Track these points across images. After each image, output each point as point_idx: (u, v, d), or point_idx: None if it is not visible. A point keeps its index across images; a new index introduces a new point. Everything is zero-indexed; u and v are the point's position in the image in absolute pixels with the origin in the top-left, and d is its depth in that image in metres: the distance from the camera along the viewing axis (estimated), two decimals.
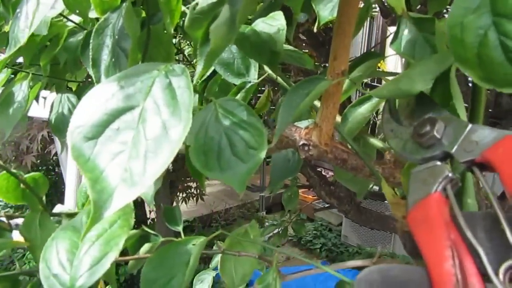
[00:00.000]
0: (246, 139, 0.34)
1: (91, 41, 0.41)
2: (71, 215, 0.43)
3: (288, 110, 0.36)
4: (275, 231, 1.53)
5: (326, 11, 0.45)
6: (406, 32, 0.44)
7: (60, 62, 0.70)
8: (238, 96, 0.54)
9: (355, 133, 0.45)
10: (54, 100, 0.77)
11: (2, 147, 2.26)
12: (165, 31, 0.45)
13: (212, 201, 3.63)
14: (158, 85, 0.29)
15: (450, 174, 0.26)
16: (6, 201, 0.44)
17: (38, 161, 2.94)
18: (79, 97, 0.77)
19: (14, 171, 0.44)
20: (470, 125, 0.27)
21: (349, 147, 0.43)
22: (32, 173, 0.46)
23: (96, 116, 0.28)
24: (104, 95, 0.29)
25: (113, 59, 0.40)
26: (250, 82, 0.53)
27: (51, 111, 0.77)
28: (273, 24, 0.42)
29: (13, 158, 2.70)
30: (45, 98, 0.91)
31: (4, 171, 0.45)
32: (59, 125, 0.74)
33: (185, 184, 2.88)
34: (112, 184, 0.25)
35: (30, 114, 0.91)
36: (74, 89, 0.83)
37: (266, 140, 0.34)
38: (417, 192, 0.26)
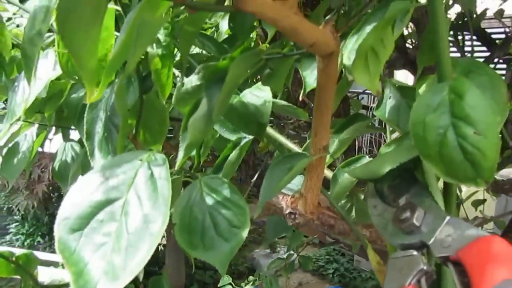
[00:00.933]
0: (229, 218, 0.35)
1: (85, 114, 0.44)
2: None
3: (270, 184, 0.38)
4: (282, 265, 1.52)
5: (312, 78, 0.47)
6: (390, 97, 0.45)
7: (65, 110, 0.72)
8: (233, 153, 0.56)
9: (342, 197, 0.46)
10: (59, 148, 0.80)
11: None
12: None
13: None
14: (141, 176, 0.31)
15: (425, 267, 0.27)
16: None
17: (50, 188, 2.99)
18: (82, 146, 0.79)
19: (5, 249, 0.46)
20: (448, 218, 0.28)
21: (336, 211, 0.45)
22: (24, 251, 0.48)
23: (82, 209, 0.29)
24: (89, 187, 0.31)
25: (105, 134, 0.42)
26: (245, 138, 0.55)
27: (54, 158, 0.79)
28: (260, 95, 0.43)
29: (25, 186, 2.75)
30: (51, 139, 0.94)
31: None
32: (62, 173, 0.76)
33: None
34: (95, 278, 0.27)
35: (40, 149, 0.93)
36: None
37: (249, 218, 0.35)
38: (393, 281, 0.28)
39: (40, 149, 0.82)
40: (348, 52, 0.38)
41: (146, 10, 0.22)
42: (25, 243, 2.81)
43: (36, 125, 0.74)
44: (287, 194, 0.44)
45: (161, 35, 0.42)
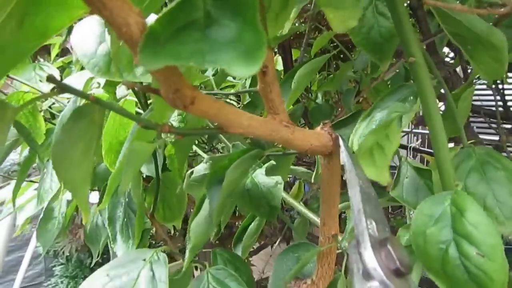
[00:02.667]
0: None
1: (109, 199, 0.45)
2: None
3: (279, 275, 0.37)
4: None
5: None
6: (406, 177, 0.44)
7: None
8: (253, 224, 0.55)
9: None
10: (91, 212, 0.82)
11: None
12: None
13: (261, 266, 3.54)
14: (143, 278, 0.31)
15: None
16: None
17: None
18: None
19: None
20: None
21: None
22: None
23: None
24: (96, 287, 0.31)
25: (125, 219, 0.43)
26: None
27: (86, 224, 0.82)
28: (272, 177, 0.44)
29: (69, 230, 2.84)
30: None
31: None
32: (92, 236, 0.78)
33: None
34: None
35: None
36: None
37: None
38: None
39: None
40: (358, 138, 0.37)
41: (136, 140, 0.23)
42: (69, 286, 2.88)
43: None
44: (300, 279, 0.43)
45: (175, 122, 0.43)
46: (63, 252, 2.76)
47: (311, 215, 0.55)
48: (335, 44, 0.79)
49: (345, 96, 0.67)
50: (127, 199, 0.43)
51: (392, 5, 0.28)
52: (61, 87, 0.20)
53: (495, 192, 0.31)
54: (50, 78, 0.19)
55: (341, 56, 0.99)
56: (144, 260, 0.32)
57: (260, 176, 0.45)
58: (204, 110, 0.21)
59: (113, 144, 0.40)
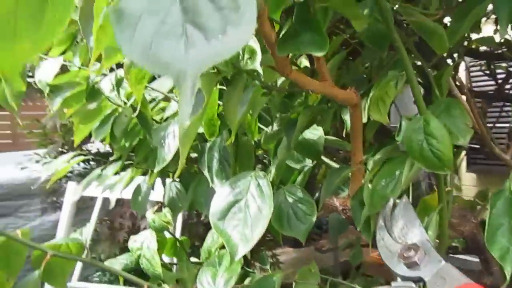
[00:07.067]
0: (303, 209, 0.57)
1: (205, 154, 0.68)
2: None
3: (327, 188, 0.60)
4: None
5: (349, 120, 0.69)
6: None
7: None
8: (299, 178, 0.78)
9: None
10: (166, 187, 1.06)
11: (99, 225, 2.60)
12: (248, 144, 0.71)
13: (288, 269, 3.71)
14: (253, 185, 0.54)
15: None
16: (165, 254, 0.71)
17: (129, 235, 3.28)
18: (181, 182, 1.05)
19: None
20: (442, 263, 0.37)
21: None
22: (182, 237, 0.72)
23: (222, 206, 0.52)
24: (224, 194, 0.54)
25: (220, 167, 0.66)
26: (306, 166, 0.77)
27: (164, 194, 1.05)
28: (315, 133, 0.66)
29: (109, 234, 3.02)
30: None
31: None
32: (171, 205, 1.01)
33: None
34: (236, 243, 0.49)
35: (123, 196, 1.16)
36: None
37: (316, 210, 0.57)
38: None
39: (119, 197, 1.06)
40: (369, 100, 0.60)
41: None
42: None
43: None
44: (340, 197, 0.65)
45: None
46: (101, 259, 2.97)
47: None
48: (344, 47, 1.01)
49: (358, 85, 0.90)
50: (222, 153, 0.66)
51: (384, 17, 0.50)
52: None
53: (455, 121, 0.53)
54: None
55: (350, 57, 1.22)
56: (251, 176, 0.55)
57: (307, 133, 0.68)
58: (294, 77, 0.44)
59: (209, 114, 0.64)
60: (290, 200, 0.58)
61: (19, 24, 0.22)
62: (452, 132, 0.52)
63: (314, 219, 0.56)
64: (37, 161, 2.12)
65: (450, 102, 0.54)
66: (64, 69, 0.75)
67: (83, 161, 1.94)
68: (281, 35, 0.39)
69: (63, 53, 0.77)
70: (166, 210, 0.72)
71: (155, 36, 0.20)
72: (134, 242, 0.69)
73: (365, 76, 0.70)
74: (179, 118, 0.22)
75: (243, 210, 0.51)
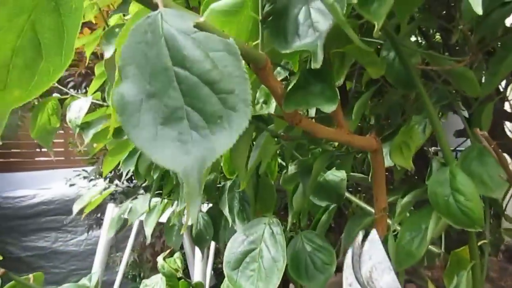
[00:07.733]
0: (322, 258, 0.54)
1: (226, 195, 0.67)
2: None
3: (348, 235, 0.56)
4: None
5: None
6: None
7: None
8: (324, 217, 0.75)
9: None
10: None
11: (140, 251, 2.65)
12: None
13: None
14: (267, 233, 0.51)
15: None
16: None
17: None
18: (208, 213, 1.04)
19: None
20: None
21: None
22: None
23: (236, 256, 0.51)
24: (238, 241, 0.52)
25: (241, 207, 0.65)
26: (332, 204, 0.74)
27: (191, 227, 1.05)
28: (338, 175, 0.63)
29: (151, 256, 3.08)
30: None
31: None
32: (199, 238, 1.00)
33: None
34: None
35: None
36: None
37: (335, 259, 0.54)
38: None
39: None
40: (391, 146, 0.57)
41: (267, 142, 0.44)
42: None
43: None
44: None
45: None
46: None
47: (364, 204, 0.74)
48: None
49: (393, 116, 0.86)
50: (241, 194, 0.65)
51: (405, 64, 0.47)
52: None
53: (488, 170, 0.49)
54: None
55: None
56: (265, 223, 0.53)
57: (330, 175, 0.65)
58: (304, 125, 0.42)
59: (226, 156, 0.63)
60: (308, 248, 0.55)
61: (12, 75, 0.23)
62: (485, 183, 0.48)
63: (334, 269, 0.53)
64: (85, 177, 2.22)
65: (483, 148, 0.50)
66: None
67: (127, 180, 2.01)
68: (290, 86, 0.37)
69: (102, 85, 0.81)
70: (176, 256, 0.71)
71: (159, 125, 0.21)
72: (145, 286, 0.69)
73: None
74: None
75: (257, 260, 0.49)
